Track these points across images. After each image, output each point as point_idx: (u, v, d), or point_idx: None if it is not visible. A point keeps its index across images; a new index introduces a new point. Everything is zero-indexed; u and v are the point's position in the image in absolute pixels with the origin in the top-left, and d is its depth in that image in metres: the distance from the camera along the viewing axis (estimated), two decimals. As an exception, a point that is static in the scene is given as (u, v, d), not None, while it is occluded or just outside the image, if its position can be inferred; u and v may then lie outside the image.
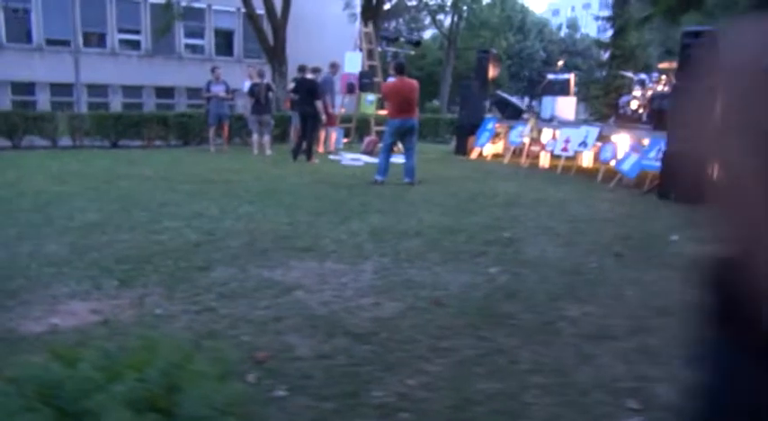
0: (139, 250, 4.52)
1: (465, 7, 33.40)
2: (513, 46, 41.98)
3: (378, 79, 11.95)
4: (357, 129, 13.31)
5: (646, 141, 8.34)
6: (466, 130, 11.72)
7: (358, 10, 19.96)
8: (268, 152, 11.18)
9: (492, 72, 11.69)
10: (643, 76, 10.50)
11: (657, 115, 8.13)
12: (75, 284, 3.68)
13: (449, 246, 4.87)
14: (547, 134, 10.35)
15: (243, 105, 12.74)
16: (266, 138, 11.22)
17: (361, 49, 12.10)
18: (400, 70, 8.20)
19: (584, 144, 9.27)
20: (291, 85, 11.04)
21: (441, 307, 3.48)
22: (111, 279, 3.80)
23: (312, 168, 9.55)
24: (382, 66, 12.30)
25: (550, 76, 12.32)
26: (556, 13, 72.59)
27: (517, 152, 10.86)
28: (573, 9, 72.93)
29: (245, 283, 3.83)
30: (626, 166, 8.35)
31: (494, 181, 8.79)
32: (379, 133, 11.77)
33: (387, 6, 25.66)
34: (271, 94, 11.04)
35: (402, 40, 12.50)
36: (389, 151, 8.29)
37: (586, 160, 9.86)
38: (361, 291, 3.74)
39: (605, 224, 6.00)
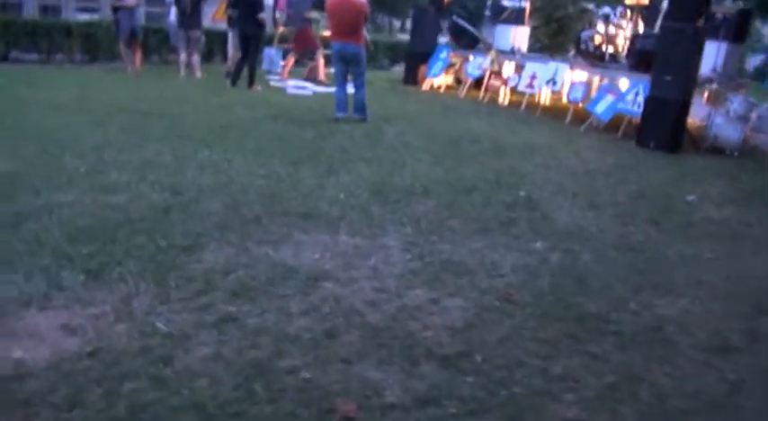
0: (94, 219, 3.48)
1: None
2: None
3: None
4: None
5: (623, 83, 7.93)
6: (417, 59, 10.81)
7: None
8: (198, 74, 9.74)
9: (447, -3, 10.74)
10: (607, 9, 9.99)
11: (639, 56, 7.67)
12: (23, 281, 2.66)
13: (469, 211, 4.20)
14: (509, 68, 9.71)
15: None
16: (195, 58, 9.74)
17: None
18: None
19: (552, 82, 8.74)
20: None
21: (514, 304, 2.85)
22: (73, 270, 2.81)
23: (257, 97, 8.37)
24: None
25: (506, 3, 11.52)
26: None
27: (471, 85, 10.16)
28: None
29: (253, 271, 2.98)
30: (599, 109, 7.93)
31: (460, 118, 8.11)
32: (327, 58, 10.63)
33: None
34: (202, 4, 9.47)
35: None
36: (343, 80, 7.29)
37: (545, 98, 9.35)
38: (404, 281, 3.02)
39: (607, 179, 5.54)
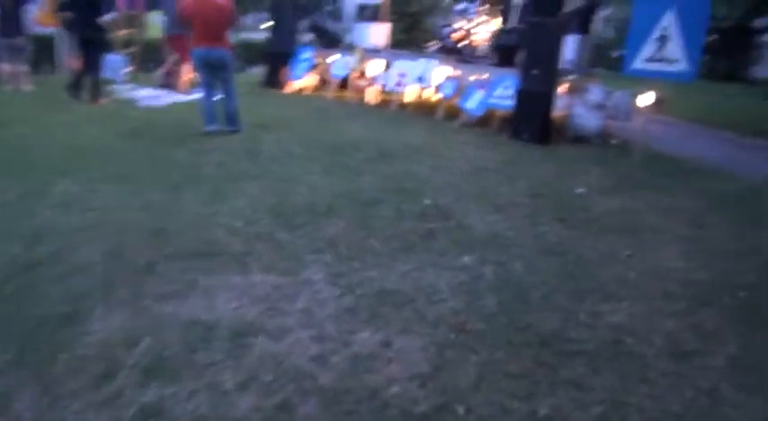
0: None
1: None
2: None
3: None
4: (144, 55, 10.87)
5: (492, 78, 8.12)
6: (278, 60, 10.29)
7: None
8: (27, 87, 8.42)
9: None
10: (463, 5, 10.23)
11: (503, 51, 7.88)
12: None
13: (383, 227, 3.92)
14: (376, 67, 9.56)
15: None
16: (22, 69, 8.41)
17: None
18: None
19: (421, 79, 8.73)
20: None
21: (470, 334, 2.62)
22: None
23: (107, 112, 7.38)
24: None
25: (361, 1, 11.39)
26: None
27: (337, 86, 9.88)
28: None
29: (163, 337, 2.45)
30: (471, 104, 8.06)
31: (335, 122, 7.81)
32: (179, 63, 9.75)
33: None
34: (25, 7, 8.16)
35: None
36: (210, 90, 6.66)
37: (412, 96, 9.34)
38: (343, 323, 2.67)
39: (498, 176, 5.57)
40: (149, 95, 8.82)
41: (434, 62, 8.72)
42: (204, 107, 6.62)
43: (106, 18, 7.64)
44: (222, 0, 6.63)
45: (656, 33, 6.28)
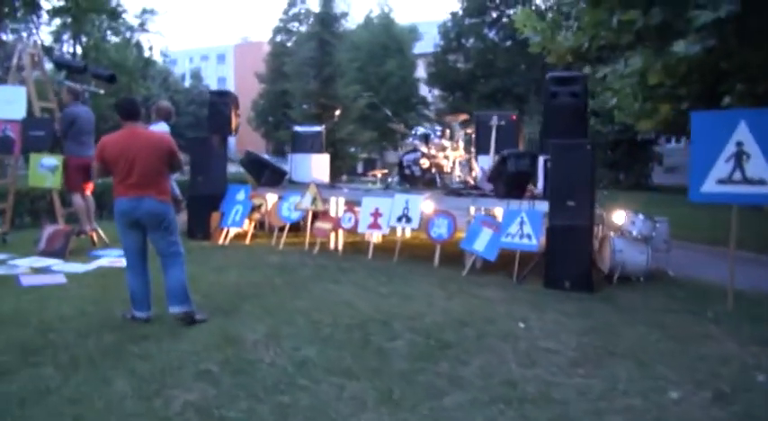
0: None
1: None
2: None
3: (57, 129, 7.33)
4: (17, 210, 8.25)
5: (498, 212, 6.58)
6: (205, 205, 8.17)
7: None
8: None
9: (235, 121, 8.49)
10: (422, 129, 8.90)
11: (512, 179, 6.42)
12: None
13: None
14: (337, 205, 7.75)
15: None
16: None
17: (21, 82, 7.31)
18: (130, 113, 4.50)
19: (406, 218, 6.99)
20: None
21: None
22: None
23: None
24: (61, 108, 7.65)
25: (298, 129, 9.76)
26: (173, 63, 69.35)
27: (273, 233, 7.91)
28: (191, 60, 71.74)
29: None
30: (480, 246, 6.40)
31: (315, 285, 5.75)
32: (73, 218, 7.36)
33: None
34: None
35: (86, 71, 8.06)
36: (139, 259, 4.51)
37: (376, 236, 7.57)
38: None
39: (599, 358, 3.78)
40: (35, 266, 6.24)
41: (418, 198, 7.07)
42: (131, 286, 4.45)
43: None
44: (157, 135, 4.73)
45: (730, 150, 5.11)
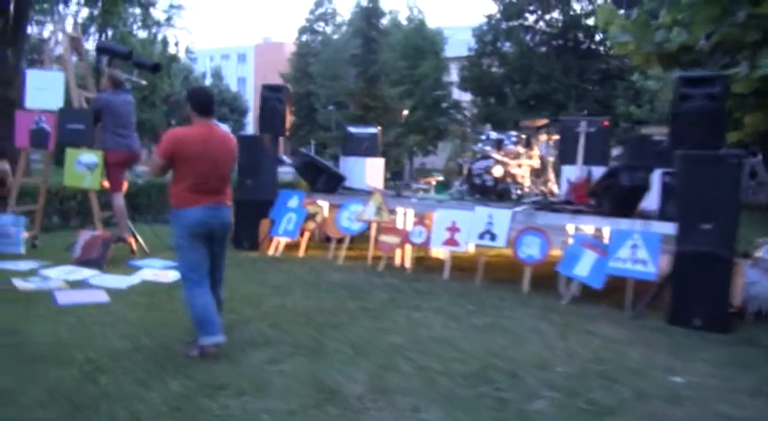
0: None
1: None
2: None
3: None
4: (44, 211, 7.46)
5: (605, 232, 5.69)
6: (253, 211, 7.34)
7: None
8: None
9: (289, 119, 7.66)
10: (494, 134, 8.02)
11: (623, 195, 5.53)
12: None
13: None
14: (406, 217, 6.88)
15: None
16: None
17: (60, 68, 6.49)
18: (208, 107, 3.78)
19: (489, 234, 6.11)
20: None
21: None
22: None
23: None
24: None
25: (351, 130, 8.92)
26: (194, 61, 69.07)
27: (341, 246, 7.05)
28: (212, 59, 71.42)
29: None
30: (582, 271, 5.51)
31: (396, 315, 4.90)
32: (110, 223, 6.61)
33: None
34: None
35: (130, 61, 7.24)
36: (207, 273, 3.77)
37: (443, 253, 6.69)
38: None
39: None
40: (68, 278, 5.43)
41: (505, 212, 6.18)
42: (202, 305, 3.66)
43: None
44: (229, 136, 4.02)
45: None
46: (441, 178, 9.39)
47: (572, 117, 7.97)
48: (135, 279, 5.64)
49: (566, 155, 7.27)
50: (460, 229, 6.30)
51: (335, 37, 41.60)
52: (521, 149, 7.75)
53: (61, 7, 23.00)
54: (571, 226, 5.97)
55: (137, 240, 6.82)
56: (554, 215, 6.12)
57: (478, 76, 25.56)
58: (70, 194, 8.54)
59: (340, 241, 7.08)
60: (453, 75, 28.65)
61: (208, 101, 3.79)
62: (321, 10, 44.20)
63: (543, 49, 26.11)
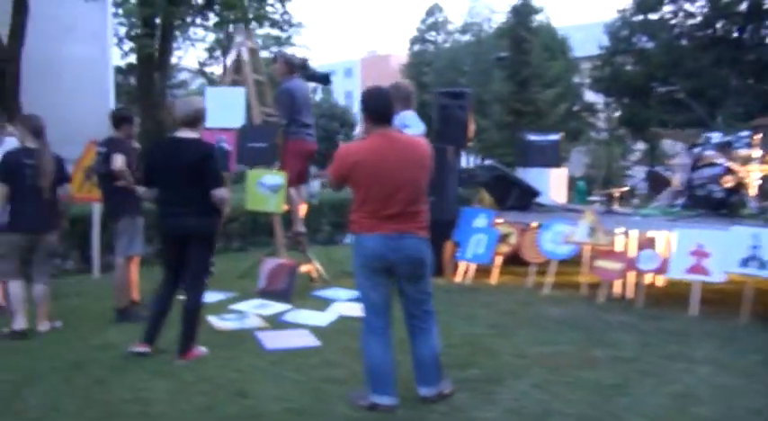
0: None
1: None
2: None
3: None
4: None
5: None
6: (438, 233, 6.49)
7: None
8: (44, 327, 4.45)
9: (471, 128, 6.80)
10: (718, 136, 6.73)
11: None
12: None
13: None
14: (628, 239, 5.76)
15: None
16: (39, 291, 4.47)
17: (237, 82, 6.06)
18: (384, 113, 3.14)
19: (758, 262, 4.86)
20: (120, 158, 4.42)
21: None
22: None
23: (208, 387, 3.36)
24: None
25: (532, 137, 7.93)
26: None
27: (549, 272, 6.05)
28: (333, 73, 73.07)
29: None
30: None
31: (659, 369, 3.84)
32: (295, 248, 6.06)
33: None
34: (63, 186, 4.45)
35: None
36: (386, 317, 3.15)
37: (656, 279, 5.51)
38: None
39: None
40: (255, 312, 4.83)
41: (775, 231, 4.91)
42: (369, 358, 3.06)
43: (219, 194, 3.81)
44: (418, 142, 3.31)
45: None
46: (625, 188, 8.14)
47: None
48: (330, 315, 4.97)
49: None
50: (710, 254, 5.09)
51: (446, 45, 40.86)
52: (755, 153, 6.39)
53: (199, 30, 23.77)
54: None
55: (315, 267, 6.21)
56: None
57: (615, 75, 23.63)
58: (233, 216, 8.18)
59: (542, 266, 6.08)
60: (578, 76, 26.87)
61: (385, 105, 3.11)
62: (432, 19, 43.69)
63: (684, 41, 23.73)
